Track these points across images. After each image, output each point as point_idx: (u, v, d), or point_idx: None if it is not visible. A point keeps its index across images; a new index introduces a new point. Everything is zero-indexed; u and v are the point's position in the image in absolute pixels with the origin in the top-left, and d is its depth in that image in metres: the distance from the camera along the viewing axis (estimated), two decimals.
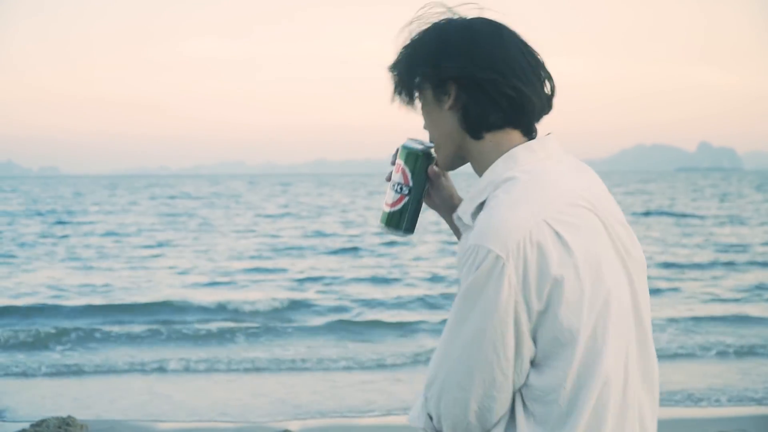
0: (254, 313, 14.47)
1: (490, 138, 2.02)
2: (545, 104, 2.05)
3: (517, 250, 1.84)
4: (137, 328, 12.90)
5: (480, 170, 2.04)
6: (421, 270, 20.49)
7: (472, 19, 2.06)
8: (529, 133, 2.04)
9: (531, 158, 1.99)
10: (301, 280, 19.08)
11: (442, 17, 2.08)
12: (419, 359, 10.78)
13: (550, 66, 2.07)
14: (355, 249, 25.77)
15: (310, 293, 17.05)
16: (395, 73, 2.10)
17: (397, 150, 2.17)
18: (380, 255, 24.10)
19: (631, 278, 1.97)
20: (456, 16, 2.07)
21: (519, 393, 1.94)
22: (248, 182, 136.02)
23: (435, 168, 2.17)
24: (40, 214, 44.72)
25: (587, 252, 1.88)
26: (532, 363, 1.91)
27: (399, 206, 2.15)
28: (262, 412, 8.36)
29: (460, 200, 2.25)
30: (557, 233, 1.86)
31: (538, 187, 1.92)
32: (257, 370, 10.44)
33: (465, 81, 1.99)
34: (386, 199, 2.16)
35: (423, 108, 2.09)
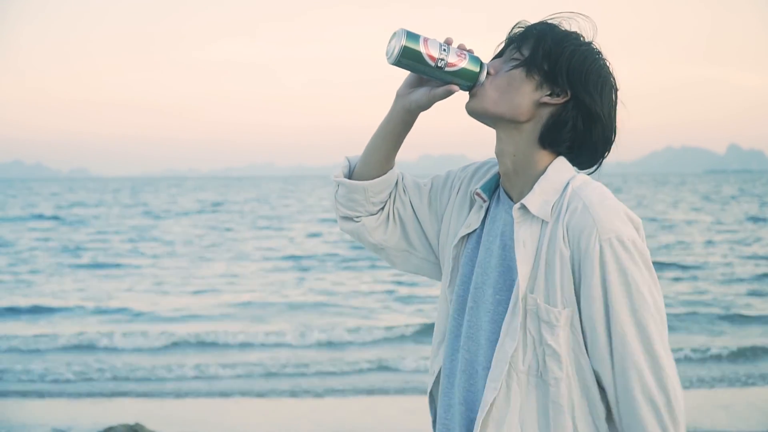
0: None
1: (550, 151, 2.15)
2: (589, 163, 2.20)
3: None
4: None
5: (527, 169, 2.14)
6: None
7: (607, 68, 2.15)
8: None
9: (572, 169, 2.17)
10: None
11: (591, 35, 2.16)
12: None
13: None
14: None
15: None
16: (532, 39, 2.13)
17: (473, 55, 2.17)
18: None
19: None
20: (597, 49, 2.15)
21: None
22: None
23: (454, 89, 2.17)
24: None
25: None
26: None
27: (426, 57, 2.13)
28: None
29: (416, 106, 2.24)
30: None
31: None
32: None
33: (578, 106, 2.11)
34: (430, 42, 2.14)
35: (520, 73, 2.12)
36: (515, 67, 2.13)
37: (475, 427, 2.07)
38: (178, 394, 10.13)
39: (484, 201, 2.23)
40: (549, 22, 2.16)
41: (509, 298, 2.10)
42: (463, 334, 2.19)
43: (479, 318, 2.16)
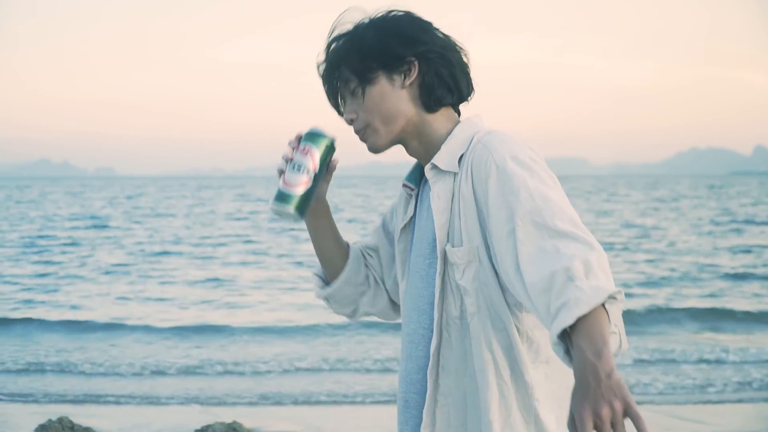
0: None
1: (442, 111, 2.21)
2: (470, 90, 2.26)
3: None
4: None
5: (432, 139, 2.20)
6: None
7: (407, 11, 2.21)
8: (458, 113, 2.27)
9: (485, 124, 2.23)
10: None
11: (364, 20, 2.20)
12: None
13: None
14: None
15: None
16: (341, 65, 2.18)
17: (303, 134, 2.22)
18: None
19: None
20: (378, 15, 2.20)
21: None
22: None
23: (335, 160, 2.27)
24: None
25: None
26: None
27: (305, 189, 2.17)
28: None
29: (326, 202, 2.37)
30: None
31: None
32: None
33: (428, 59, 2.15)
34: (290, 179, 2.17)
35: (370, 92, 2.16)
36: (361, 92, 2.17)
37: (429, 367, 2.15)
38: (276, 400, 9.94)
39: (413, 190, 2.30)
40: (333, 39, 2.21)
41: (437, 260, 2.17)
42: (408, 306, 2.26)
43: (419, 287, 2.22)
